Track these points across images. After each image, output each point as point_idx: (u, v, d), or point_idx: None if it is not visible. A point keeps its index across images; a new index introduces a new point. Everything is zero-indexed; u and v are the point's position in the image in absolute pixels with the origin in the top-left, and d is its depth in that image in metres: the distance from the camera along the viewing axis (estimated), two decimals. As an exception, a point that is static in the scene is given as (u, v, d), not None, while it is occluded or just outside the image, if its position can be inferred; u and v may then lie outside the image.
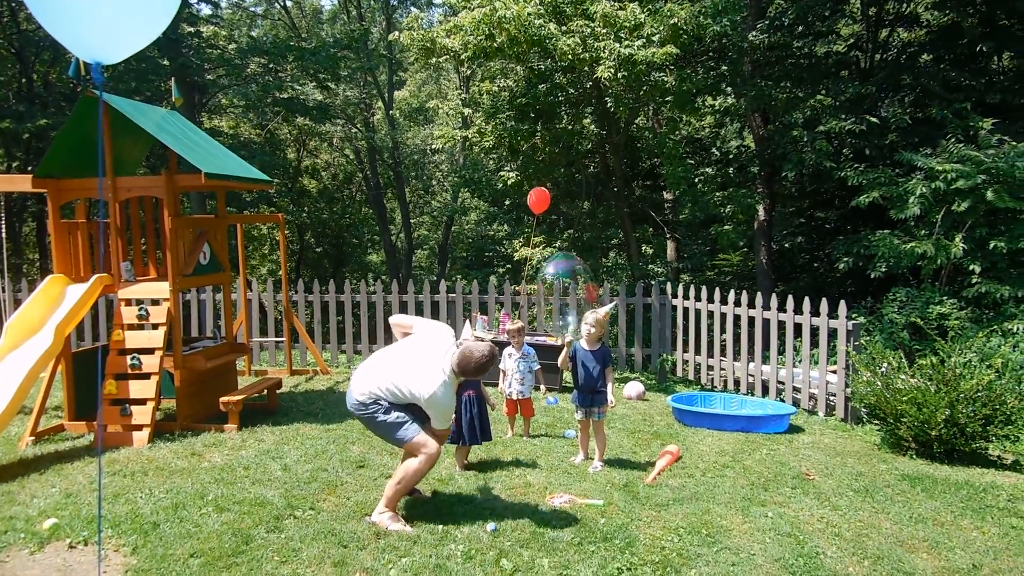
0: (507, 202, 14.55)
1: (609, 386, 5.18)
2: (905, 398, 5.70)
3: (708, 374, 8.42)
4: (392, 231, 24.58)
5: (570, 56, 9.09)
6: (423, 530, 3.98)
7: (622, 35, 9.19)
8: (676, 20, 9.21)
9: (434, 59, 10.18)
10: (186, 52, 14.87)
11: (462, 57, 9.74)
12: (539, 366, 6.20)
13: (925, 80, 11.40)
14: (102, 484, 4.68)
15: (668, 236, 14.82)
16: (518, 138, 10.81)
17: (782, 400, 7.45)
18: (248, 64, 16.45)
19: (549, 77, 10.64)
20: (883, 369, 6.12)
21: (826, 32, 12.95)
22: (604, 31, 9.14)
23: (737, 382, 8.03)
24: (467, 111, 13.08)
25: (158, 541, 3.82)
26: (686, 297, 8.57)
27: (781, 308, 7.54)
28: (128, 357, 5.86)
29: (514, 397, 6.04)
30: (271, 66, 16.54)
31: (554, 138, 11.11)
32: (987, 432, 5.63)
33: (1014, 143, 9.02)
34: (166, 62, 14.84)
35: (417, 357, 4.15)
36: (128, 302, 6.11)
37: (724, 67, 12.01)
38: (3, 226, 7.16)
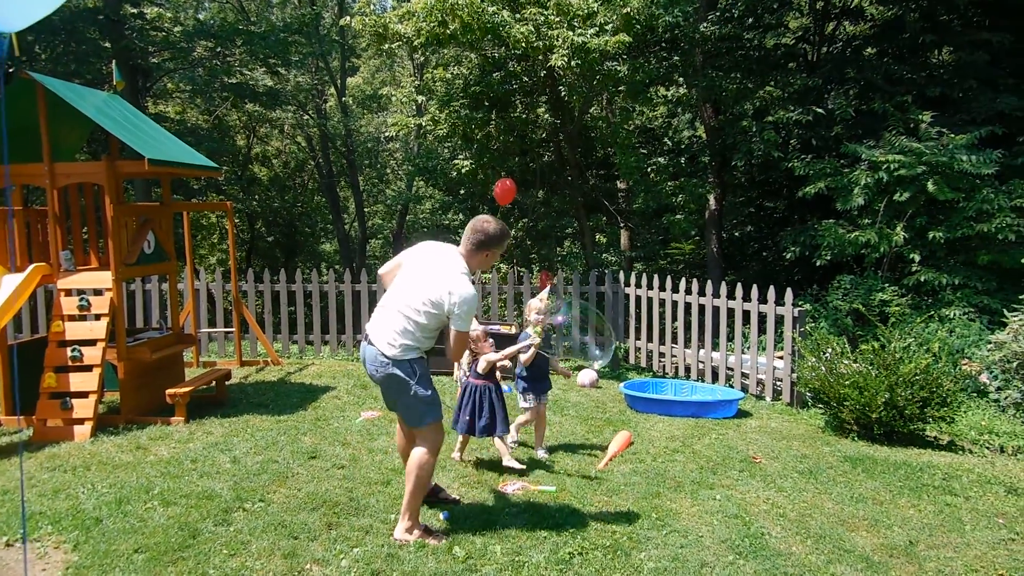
0: (462, 191, 14.50)
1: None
2: (847, 382, 5.88)
3: (660, 361, 8.54)
4: (346, 220, 24.30)
5: (524, 44, 9.06)
6: (375, 520, 3.96)
7: (575, 23, 9.20)
8: (628, 9, 9.27)
9: (387, 45, 10.06)
10: (129, 34, 14.39)
11: (415, 43, 9.65)
12: None
13: (869, 73, 11.69)
14: (42, 480, 4.55)
15: (622, 225, 14.96)
16: (472, 126, 10.76)
17: (731, 386, 7.61)
18: (195, 47, 16.00)
19: (503, 65, 10.61)
20: (827, 354, 6.29)
21: (775, 24, 13.19)
22: (558, 19, 9.15)
23: (688, 369, 8.17)
24: (421, 98, 12.96)
25: (100, 537, 3.72)
26: (639, 285, 8.67)
27: (731, 296, 7.69)
28: (68, 349, 5.69)
29: None
30: (219, 50, 16.10)
31: (508, 127, 11.09)
32: (924, 414, 5.84)
33: (952, 135, 9.33)
34: (107, 44, 14.35)
35: (430, 268, 3.71)
36: (68, 292, 5.92)
37: (676, 58, 12.14)
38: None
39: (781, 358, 7.31)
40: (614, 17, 9.27)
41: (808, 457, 5.39)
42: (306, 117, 21.80)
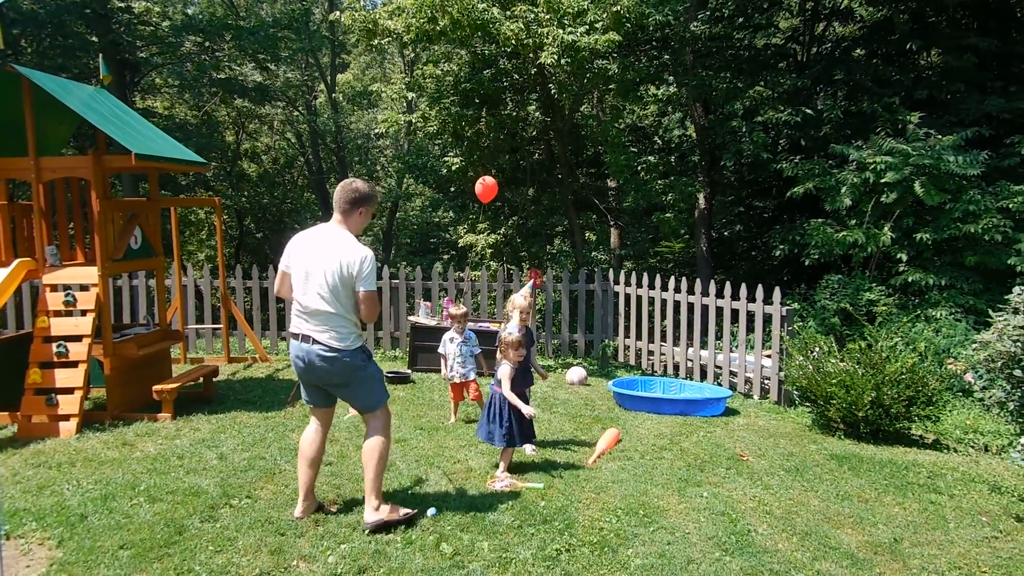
0: (452, 188, 14.46)
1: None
2: (834, 381, 5.91)
3: (649, 359, 8.56)
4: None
5: (514, 41, 9.05)
6: (363, 516, 3.95)
7: (565, 21, 9.20)
8: (619, 8, 9.27)
9: (376, 41, 10.01)
10: (116, 28, 14.27)
11: (405, 40, 9.61)
12: (480, 351, 6.20)
13: (858, 74, 11.75)
14: (27, 476, 4.51)
15: (611, 224, 14.96)
16: (463, 124, 10.74)
17: (719, 384, 7.64)
18: (183, 42, 15.90)
19: (493, 62, 10.59)
20: (815, 353, 6.32)
21: (765, 24, 13.22)
22: (547, 17, 9.13)
23: (676, 367, 8.20)
24: (411, 95, 12.91)
25: (86, 533, 3.70)
26: (628, 284, 8.69)
27: (719, 295, 7.72)
28: (54, 344, 5.64)
29: (457, 380, 6.04)
30: (207, 45, 16.01)
31: (499, 124, 11.08)
32: (910, 413, 5.88)
33: (939, 136, 9.40)
34: (95, 38, 14.24)
35: (322, 255, 3.80)
36: (54, 287, 5.87)
37: (666, 56, 12.15)
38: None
39: (769, 357, 7.35)
40: (604, 15, 9.27)
41: (795, 455, 5.42)
42: (296, 113, 21.70)
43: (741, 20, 12.91)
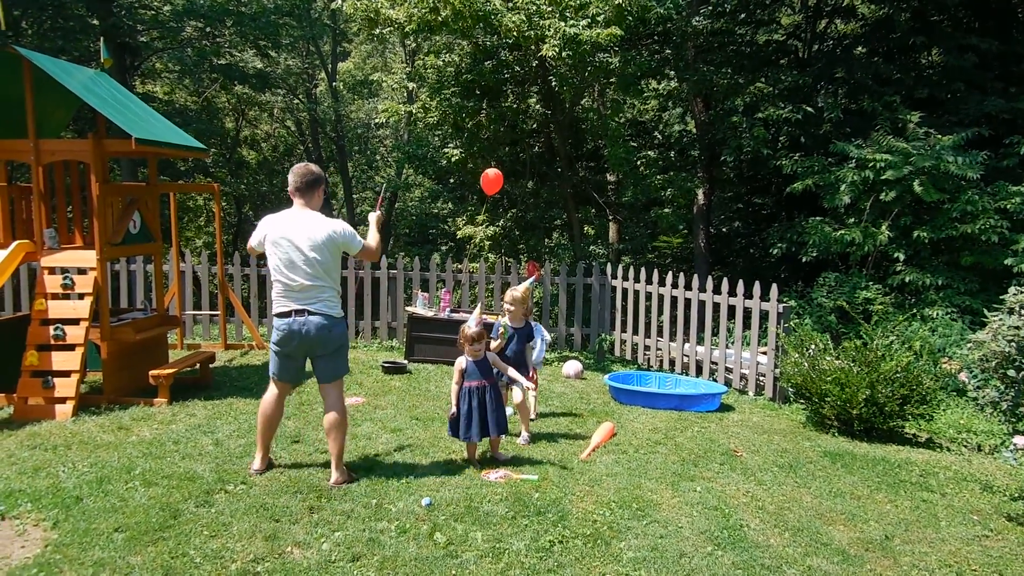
0: (451, 180, 14.45)
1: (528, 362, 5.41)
2: (829, 378, 5.93)
3: (645, 354, 8.58)
4: (334, 206, 24.15)
5: (515, 33, 9.03)
6: (357, 504, 3.97)
7: (567, 14, 9.18)
8: (621, 1, 9.25)
9: (378, 30, 9.98)
10: (117, 12, 14.20)
11: (406, 29, 9.58)
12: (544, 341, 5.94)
13: (859, 72, 11.75)
14: (20, 458, 4.52)
15: (610, 218, 14.98)
16: (463, 115, 10.72)
17: (715, 380, 7.66)
18: (184, 27, 15.82)
19: (495, 54, 10.57)
20: (810, 351, 6.34)
21: (767, 20, 13.21)
22: (549, 9, 9.12)
23: (673, 362, 8.22)
24: (412, 85, 12.90)
25: (80, 515, 3.71)
26: (625, 278, 8.70)
27: (716, 291, 7.73)
28: (51, 327, 5.64)
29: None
30: (208, 30, 15.95)
31: (499, 116, 11.06)
32: (904, 411, 5.91)
33: (939, 136, 9.41)
34: (95, 21, 14.16)
35: (301, 232, 4.20)
36: (52, 270, 5.86)
37: (668, 51, 12.14)
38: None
39: (765, 353, 7.37)
40: (606, 8, 9.25)
41: (788, 451, 5.45)
42: (296, 101, 21.64)
43: (743, 16, 12.89)
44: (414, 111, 11.45)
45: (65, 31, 13.82)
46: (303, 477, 4.33)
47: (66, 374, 5.55)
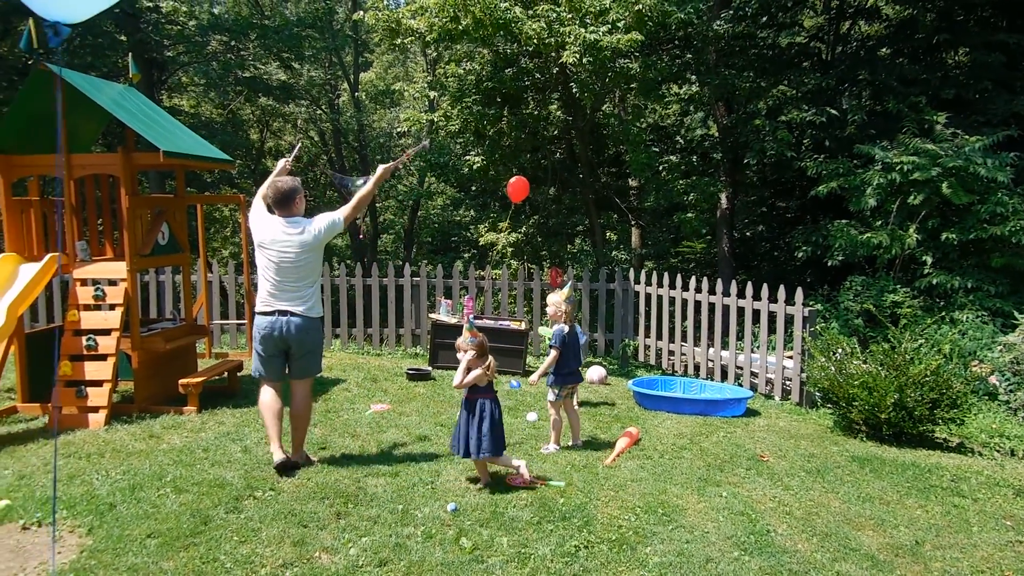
0: (473, 187, 14.51)
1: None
2: (857, 382, 5.87)
3: (669, 359, 8.55)
4: (357, 215, 24.33)
5: (536, 40, 9.08)
6: (384, 510, 4.01)
7: (588, 20, 9.21)
8: (641, 7, 9.26)
9: (399, 40, 10.09)
10: (144, 27, 14.50)
11: (427, 39, 9.68)
12: (586, 338, 5.80)
13: (883, 73, 11.62)
14: (57, 466, 4.62)
15: (632, 223, 14.95)
16: (484, 122, 10.78)
17: (740, 385, 7.61)
18: (209, 41, 16.10)
19: (515, 61, 10.62)
20: (837, 354, 6.28)
21: (789, 23, 13.12)
22: (570, 16, 9.15)
23: (697, 367, 8.17)
24: (433, 94, 12.99)
25: (114, 522, 3.78)
26: (648, 283, 8.68)
27: (741, 295, 7.68)
28: (84, 338, 5.76)
29: None
30: (233, 44, 16.20)
31: (520, 123, 11.11)
32: (934, 415, 5.83)
33: (967, 136, 9.28)
34: (123, 37, 14.48)
35: (288, 237, 4.54)
36: (84, 282, 5.99)
37: (689, 55, 12.10)
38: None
39: (791, 358, 7.31)
40: (626, 14, 9.26)
41: (816, 456, 5.39)
42: (319, 112, 21.87)
43: (765, 19, 12.82)
44: (435, 119, 11.53)
45: (94, 47, 14.12)
46: (330, 483, 4.37)
47: (98, 383, 5.66)
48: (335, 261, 19.77)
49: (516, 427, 5.83)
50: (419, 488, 4.36)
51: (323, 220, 4.65)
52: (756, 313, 7.51)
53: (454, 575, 3.37)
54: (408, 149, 6.14)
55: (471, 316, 4.73)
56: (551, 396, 5.29)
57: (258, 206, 4.76)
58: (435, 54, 17.86)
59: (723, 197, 12.50)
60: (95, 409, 5.59)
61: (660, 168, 12.52)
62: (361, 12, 10.50)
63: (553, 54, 9.57)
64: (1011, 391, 7.12)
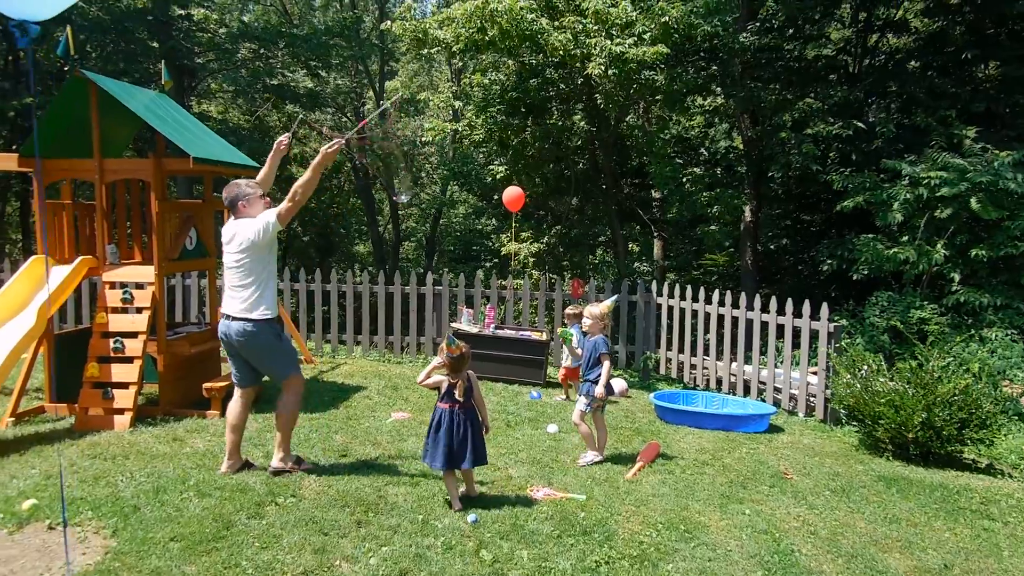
0: (496, 197, 14.53)
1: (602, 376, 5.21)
2: (883, 400, 5.78)
3: (691, 373, 8.48)
4: (380, 222, 24.51)
5: (561, 52, 9.10)
6: (404, 519, 4.01)
7: (613, 32, 9.22)
8: (667, 19, 9.25)
9: (426, 50, 10.17)
10: (176, 35, 14.76)
11: (454, 49, 9.74)
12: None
13: (911, 87, 11.51)
14: (81, 467, 4.68)
15: (655, 235, 14.89)
16: (508, 132, 10.82)
17: (763, 400, 7.53)
18: (239, 49, 16.34)
19: (540, 72, 10.65)
20: (863, 371, 6.19)
21: (816, 35, 13.04)
22: (595, 28, 9.17)
23: (719, 381, 8.10)
24: (458, 104, 13.06)
25: (138, 524, 3.81)
26: (671, 296, 8.63)
27: (764, 309, 7.61)
28: (111, 340, 5.83)
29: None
30: (262, 51, 16.42)
31: (544, 134, 11.13)
32: (962, 435, 5.72)
33: (997, 151, 9.14)
34: (156, 44, 14.72)
35: (235, 238, 4.52)
36: (112, 285, 6.07)
37: (714, 67, 12.07)
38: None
39: (815, 374, 7.22)
40: (652, 26, 9.26)
41: (841, 475, 5.32)
42: (345, 119, 22.06)
43: (791, 31, 12.75)
44: (460, 129, 11.59)
45: (127, 54, 14.39)
46: (351, 491, 4.38)
47: (124, 386, 5.72)
48: (357, 268, 19.91)
49: (537, 439, 5.81)
50: (439, 498, 4.36)
51: (259, 221, 4.54)
52: (780, 328, 7.44)
53: (474, 587, 3.35)
54: (366, 117, 6.06)
55: (451, 336, 4.51)
56: (581, 406, 5.26)
57: None
58: (460, 64, 17.98)
59: (747, 210, 12.42)
60: (121, 411, 5.65)
61: (683, 180, 12.48)
62: (389, 22, 10.59)
63: (578, 65, 9.59)
64: (1042, 412, 6.98)
